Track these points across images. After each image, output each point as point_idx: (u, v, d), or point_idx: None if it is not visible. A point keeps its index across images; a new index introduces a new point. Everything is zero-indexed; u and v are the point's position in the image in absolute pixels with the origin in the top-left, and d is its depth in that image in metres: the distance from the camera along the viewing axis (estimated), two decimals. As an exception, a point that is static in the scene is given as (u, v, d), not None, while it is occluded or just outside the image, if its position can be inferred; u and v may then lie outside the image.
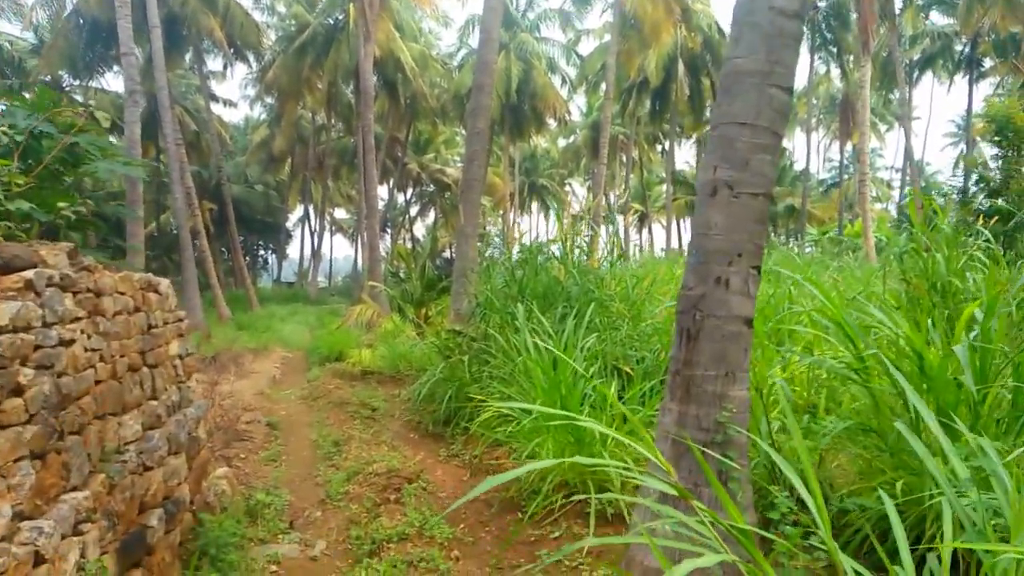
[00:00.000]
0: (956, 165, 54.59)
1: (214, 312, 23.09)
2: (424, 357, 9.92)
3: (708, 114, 35.24)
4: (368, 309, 15.24)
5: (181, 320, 5.03)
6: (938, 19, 34.30)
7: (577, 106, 41.22)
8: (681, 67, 29.73)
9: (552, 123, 38.80)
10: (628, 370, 5.16)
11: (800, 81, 66.06)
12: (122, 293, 3.94)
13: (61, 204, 3.95)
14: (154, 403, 4.27)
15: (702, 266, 3.50)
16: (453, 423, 6.47)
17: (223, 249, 43.40)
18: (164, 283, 4.83)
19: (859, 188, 22.79)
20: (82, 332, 3.35)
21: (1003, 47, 30.70)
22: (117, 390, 3.73)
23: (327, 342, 13.96)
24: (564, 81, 35.18)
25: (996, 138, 11.38)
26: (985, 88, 38.20)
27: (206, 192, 38.03)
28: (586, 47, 35.63)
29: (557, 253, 6.81)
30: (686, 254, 3.79)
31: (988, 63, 33.60)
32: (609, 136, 22.58)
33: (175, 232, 25.27)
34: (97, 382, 3.49)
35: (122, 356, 3.85)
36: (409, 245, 53.50)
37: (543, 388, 4.63)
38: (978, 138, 58.13)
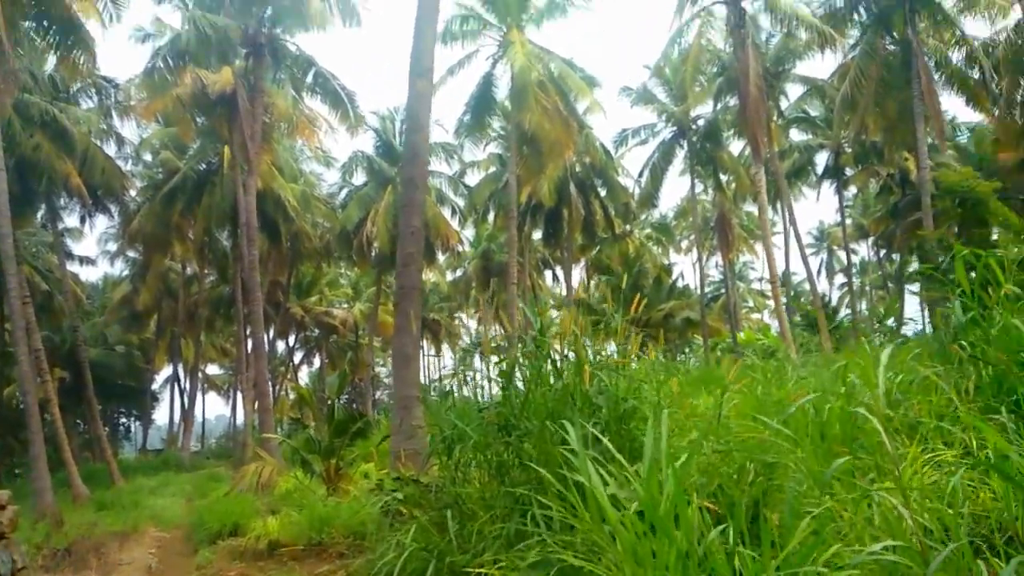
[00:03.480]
0: (819, 273, 58.48)
1: (68, 492, 19.40)
2: (355, 519, 7.75)
3: (600, 235, 35.74)
4: (265, 466, 12.71)
5: None
6: (795, 136, 37.14)
7: (466, 237, 40.85)
8: (573, 188, 30.02)
9: (441, 256, 38.06)
10: (714, 508, 3.50)
11: (670, 202, 69.38)
12: None
13: None
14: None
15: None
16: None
17: (78, 421, 38.44)
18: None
19: (773, 294, 22.80)
20: None
21: (863, 156, 33.36)
22: None
23: (215, 513, 11.24)
24: (454, 211, 34.77)
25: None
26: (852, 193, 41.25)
27: (58, 358, 33.84)
28: (472, 179, 35.52)
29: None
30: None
31: (849, 172, 36.40)
32: (513, 257, 21.69)
33: (21, 407, 21.61)
34: None
35: None
36: (293, 396, 49.89)
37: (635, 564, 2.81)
38: (834, 247, 62.68)
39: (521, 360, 4.96)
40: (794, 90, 33.52)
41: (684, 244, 55.66)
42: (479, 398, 6.41)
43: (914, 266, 42.64)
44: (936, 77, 24.97)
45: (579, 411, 4.34)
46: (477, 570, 4.13)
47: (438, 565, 4.43)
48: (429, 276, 43.67)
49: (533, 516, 4.15)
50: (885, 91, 24.92)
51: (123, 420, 52.51)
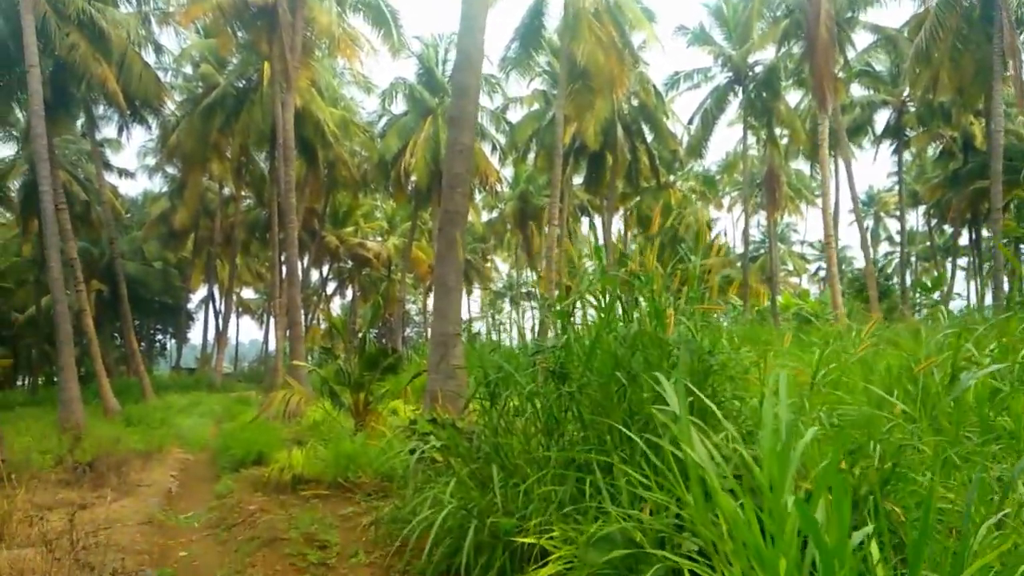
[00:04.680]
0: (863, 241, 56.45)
1: (100, 405, 19.51)
2: (383, 460, 7.28)
3: (643, 184, 34.54)
4: (293, 394, 12.37)
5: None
6: (856, 91, 35.17)
7: (504, 177, 39.88)
8: (620, 131, 28.79)
9: (478, 195, 37.18)
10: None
11: (714, 156, 67.51)
12: None
13: None
14: None
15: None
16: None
17: (115, 335, 39.01)
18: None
19: (827, 257, 21.71)
20: None
21: (928, 116, 31.50)
22: None
23: (241, 439, 10.97)
24: (494, 148, 33.74)
25: None
26: (907, 158, 39.30)
27: (96, 270, 34.15)
28: (514, 116, 34.30)
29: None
30: None
31: (910, 133, 34.52)
32: (556, 197, 20.83)
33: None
34: None
35: None
36: (325, 326, 50.11)
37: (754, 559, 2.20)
38: (882, 213, 60.57)
39: (586, 299, 4.28)
40: (861, 40, 31.60)
41: (726, 200, 53.94)
42: (520, 342, 5.82)
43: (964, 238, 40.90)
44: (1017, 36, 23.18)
45: (654, 364, 3.68)
46: (524, 539, 3.57)
47: (478, 527, 3.87)
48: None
49: (593, 482, 3.57)
50: (963, 45, 23.21)
51: (159, 337, 53.35)
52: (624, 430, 3.18)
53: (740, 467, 2.75)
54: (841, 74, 31.94)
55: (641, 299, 4.14)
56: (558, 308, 4.56)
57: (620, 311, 4.01)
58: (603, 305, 4.01)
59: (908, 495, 2.98)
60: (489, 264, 60.71)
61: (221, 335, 38.01)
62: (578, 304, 4.66)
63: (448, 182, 7.92)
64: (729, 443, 2.98)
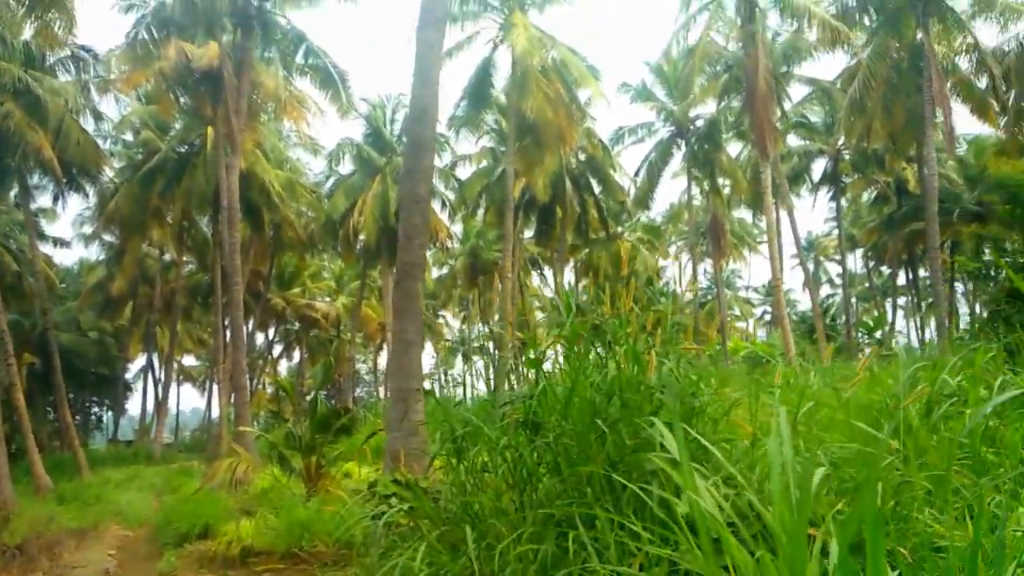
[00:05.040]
0: (803, 285, 58.12)
1: (31, 483, 18.34)
2: (339, 526, 6.84)
3: (592, 235, 34.95)
4: (240, 462, 11.75)
5: None
6: (792, 142, 36.58)
7: (454, 233, 39.97)
8: (569, 184, 29.20)
9: (428, 251, 37.02)
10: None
11: (659, 207, 69.44)
12: None
13: None
14: None
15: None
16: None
17: (48, 408, 37.08)
18: None
19: (776, 299, 22.08)
20: None
21: (863, 163, 32.89)
22: None
23: (184, 512, 10.27)
24: (444, 204, 33.81)
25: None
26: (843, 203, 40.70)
27: (28, 342, 32.63)
28: (463, 173, 34.56)
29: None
30: None
31: (846, 180, 35.97)
32: (508, 250, 20.83)
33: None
34: None
35: None
36: (271, 390, 48.66)
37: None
38: (822, 257, 62.59)
39: (556, 347, 4.09)
40: (796, 93, 32.99)
41: (672, 249, 55.04)
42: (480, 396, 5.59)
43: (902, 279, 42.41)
44: (943, 84, 24.50)
45: (635, 409, 3.50)
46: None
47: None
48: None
49: (576, 537, 3.32)
50: (894, 95, 24.38)
51: (95, 409, 50.98)
52: (617, 478, 2.96)
53: (738, 513, 2.56)
54: (779, 125, 33.24)
55: (615, 344, 3.98)
56: (530, 356, 4.34)
57: (594, 356, 3.83)
58: (576, 351, 3.82)
59: (910, 535, 2.83)
60: (440, 320, 60.24)
61: (161, 405, 36.50)
62: (548, 352, 4.48)
63: (405, 233, 7.73)
64: (721, 487, 2.80)
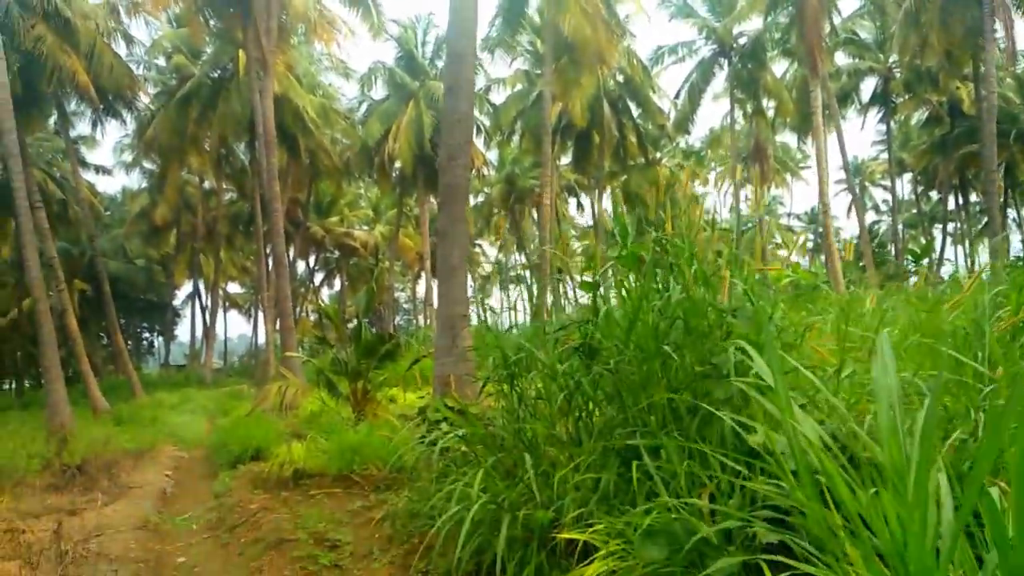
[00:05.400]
0: (848, 211, 56.43)
1: (88, 405, 19.03)
2: (389, 449, 6.90)
3: (630, 162, 34.12)
4: (289, 385, 11.96)
5: None
6: (840, 60, 34.83)
7: (489, 160, 39.42)
8: (607, 108, 28.33)
9: (465, 177, 36.59)
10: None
11: (698, 131, 67.07)
12: None
13: None
14: None
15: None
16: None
17: (101, 334, 38.36)
18: None
19: (824, 225, 21.42)
20: None
21: (914, 83, 31.27)
22: None
23: (236, 435, 10.53)
24: (479, 130, 33.18)
25: None
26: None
27: (78, 270, 33.50)
28: (497, 97, 33.73)
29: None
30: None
31: (897, 100, 34.32)
32: (547, 176, 20.41)
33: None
34: None
35: None
36: (314, 317, 49.53)
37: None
38: (867, 182, 60.55)
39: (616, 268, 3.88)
40: (846, 7, 31.26)
41: (712, 176, 53.59)
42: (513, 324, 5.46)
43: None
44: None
45: (702, 335, 3.32)
46: (565, 534, 3.21)
47: (511, 522, 3.51)
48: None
49: (641, 466, 3.21)
50: (951, 7, 22.92)
51: (146, 335, 52.67)
52: (685, 401, 2.79)
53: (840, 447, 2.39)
54: (827, 41, 31.62)
55: (678, 266, 3.76)
56: (586, 279, 4.16)
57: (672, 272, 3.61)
58: (639, 273, 3.62)
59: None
60: (477, 249, 60.21)
61: (209, 331, 37.45)
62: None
63: (447, 153, 7.44)
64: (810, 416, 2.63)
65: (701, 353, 3.33)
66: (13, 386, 39.48)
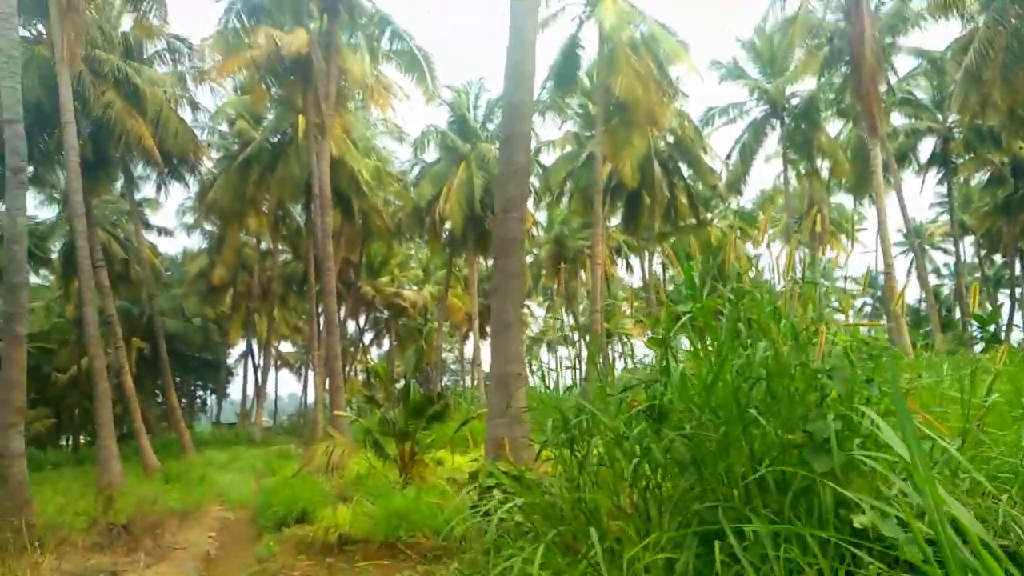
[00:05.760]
0: (907, 274, 54.72)
1: (140, 462, 19.12)
2: (437, 516, 6.58)
3: (681, 222, 33.82)
4: (336, 446, 11.75)
5: None
6: (896, 120, 34.26)
7: (538, 222, 39.61)
8: (657, 168, 28.25)
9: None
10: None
11: (749, 192, 66.47)
12: None
13: None
14: None
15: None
16: None
17: (156, 392, 39.06)
18: None
19: (885, 283, 20.66)
20: None
21: (975, 142, 30.52)
22: None
23: (282, 496, 10.29)
24: (529, 191, 33.38)
25: None
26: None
27: (137, 328, 34.33)
28: (546, 159, 34.04)
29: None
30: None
31: (957, 161, 33.50)
32: (598, 234, 20.24)
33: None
34: None
35: None
36: (363, 376, 49.70)
37: None
38: (926, 245, 59.05)
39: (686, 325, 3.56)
40: (902, 67, 30.83)
41: (763, 237, 52.77)
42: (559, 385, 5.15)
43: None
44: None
45: (791, 399, 2.97)
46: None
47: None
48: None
49: (724, 548, 2.83)
50: (1014, 64, 22.38)
51: (199, 393, 53.53)
52: (798, 475, 2.45)
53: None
54: (884, 101, 31.18)
55: (756, 322, 3.44)
56: (654, 336, 3.87)
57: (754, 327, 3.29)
58: (715, 328, 3.30)
59: None
60: (525, 310, 59.98)
61: (260, 389, 37.78)
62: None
63: (502, 206, 7.29)
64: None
65: (788, 419, 2.99)
66: (70, 442, 40.29)
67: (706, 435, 3.15)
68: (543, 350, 66.38)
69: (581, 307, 50.23)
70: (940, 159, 34.00)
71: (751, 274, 4.53)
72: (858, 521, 2.45)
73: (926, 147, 34.16)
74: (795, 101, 31.29)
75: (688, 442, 3.28)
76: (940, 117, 32.85)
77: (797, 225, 40.27)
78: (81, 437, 38.62)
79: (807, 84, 31.19)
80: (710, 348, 3.40)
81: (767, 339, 3.05)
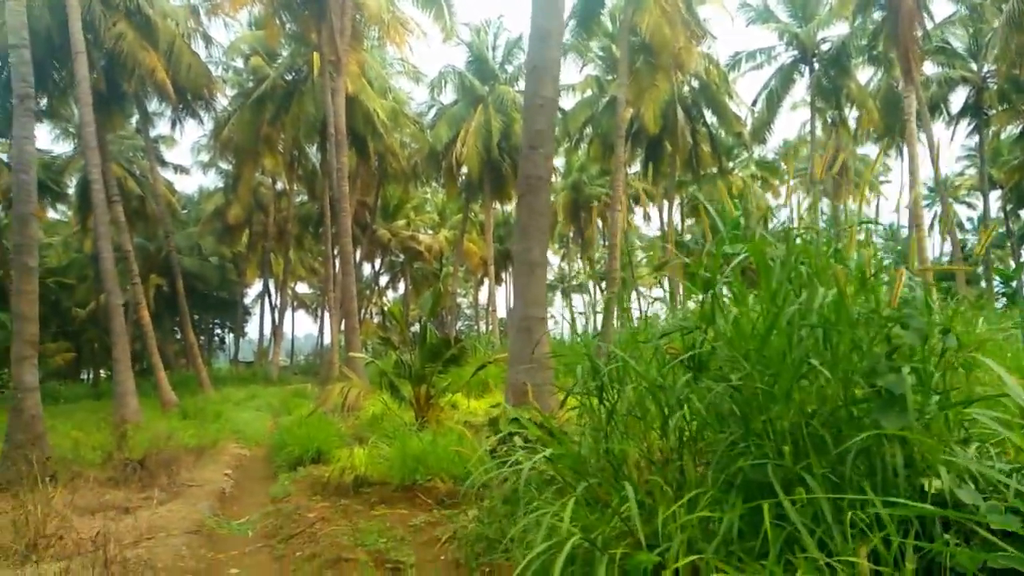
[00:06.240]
0: (930, 228, 53.64)
1: (158, 398, 19.31)
2: (456, 461, 6.44)
3: (703, 172, 33.09)
4: (351, 387, 11.67)
5: None
6: (928, 69, 32.98)
7: (556, 168, 38.89)
8: (680, 114, 27.45)
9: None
10: None
11: (779, 138, 64.95)
12: None
13: None
14: None
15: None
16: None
17: (175, 329, 39.45)
18: None
19: (917, 239, 20.12)
20: None
21: (1012, 92, 29.43)
22: None
23: (298, 435, 10.24)
24: (555, 127, 32.67)
25: None
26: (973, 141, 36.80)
27: (154, 265, 34.50)
28: (566, 103, 33.17)
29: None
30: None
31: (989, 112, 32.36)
32: (619, 180, 19.77)
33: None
34: None
35: None
36: (378, 318, 49.91)
37: None
38: (951, 199, 57.82)
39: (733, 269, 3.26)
40: (938, 12, 29.57)
41: (782, 189, 51.75)
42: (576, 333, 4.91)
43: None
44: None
45: (856, 349, 2.71)
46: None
47: (607, 562, 2.95)
48: (509, 207, 41.32)
49: (774, 507, 2.61)
50: (1057, 11, 21.31)
51: (218, 331, 54.11)
52: (860, 432, 2.19)
53: None
54: (920, 46, 29.98)
55: (812, 265, 3.15)
56: (698, 278, 3.59)
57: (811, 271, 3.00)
58: (768, 270, 3.00)
59: None
60: (540, 257, 59.55)
61: (277, 329, 38.01)
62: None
63: (528, 142, 6.89)
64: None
65: (848, 371, 2.73)
66: (90, 376, 40.97)
67: (756, 387, 2.90)
68: (556, 297, 66.25)
69: (597, 255, 49.80)
70: (972, 110, 32.85)
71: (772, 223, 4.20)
72: (932, 486, 2.21)
73: (957, 98, 32.98)
74: (825, 47, 30.14)
75: (735, 392, 3.03)
76: (974, 66, 31.62)
77: (822, 173, 39.34)
78: (101, 372, 39.20)
79: (838, 29, 30.05)
80: (761, 293, 3.12)
81: (827, 285, 2.76)
